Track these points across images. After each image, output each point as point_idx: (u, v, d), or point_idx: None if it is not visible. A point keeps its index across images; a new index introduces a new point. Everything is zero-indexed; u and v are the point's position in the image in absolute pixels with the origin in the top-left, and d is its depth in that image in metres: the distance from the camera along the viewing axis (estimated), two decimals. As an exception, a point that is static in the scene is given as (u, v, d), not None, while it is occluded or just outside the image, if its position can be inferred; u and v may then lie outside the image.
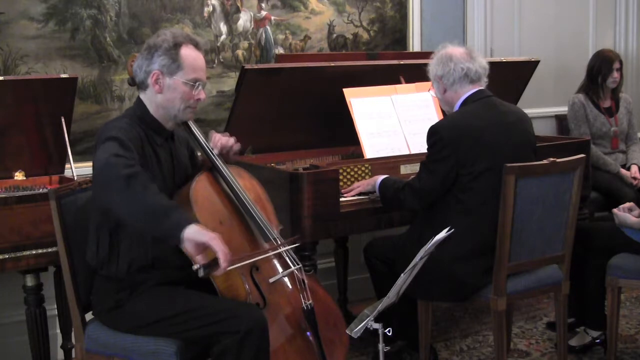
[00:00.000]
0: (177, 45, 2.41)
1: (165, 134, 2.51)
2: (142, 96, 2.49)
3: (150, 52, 2.42)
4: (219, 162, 2.54)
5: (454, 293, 2.98)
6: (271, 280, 2.47)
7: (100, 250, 2.41)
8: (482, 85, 3.02)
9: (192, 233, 2.12)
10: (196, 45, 2.47)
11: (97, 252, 2.42)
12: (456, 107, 3.02)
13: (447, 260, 2.85)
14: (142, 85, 2.47)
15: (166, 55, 2.40)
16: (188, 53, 2.43)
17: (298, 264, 2.55)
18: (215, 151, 2.57)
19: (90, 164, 2.41)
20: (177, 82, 2.42)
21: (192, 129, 2.56)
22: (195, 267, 2.13)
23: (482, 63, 3.02)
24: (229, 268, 2.19)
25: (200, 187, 2.46)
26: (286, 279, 2.53)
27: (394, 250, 3.13)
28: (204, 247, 2.13)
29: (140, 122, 2.44)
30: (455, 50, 3.02)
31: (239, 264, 2.31)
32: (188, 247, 2.13)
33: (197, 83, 2.45)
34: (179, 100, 2.44)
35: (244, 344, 2.24)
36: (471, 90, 2.99)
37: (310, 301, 2.49)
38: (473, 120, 2.91)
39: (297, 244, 2.59)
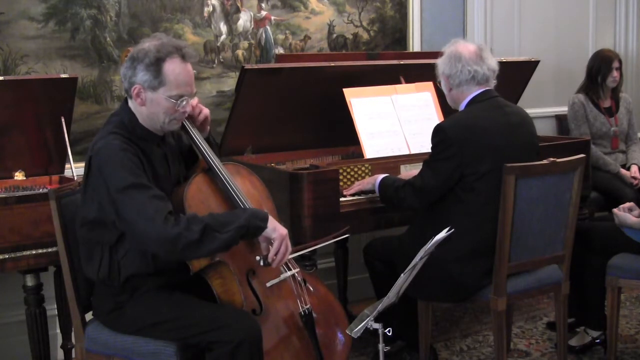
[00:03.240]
0: (159, 60, 2.31)
1: (157, 140, 2.47)
2: (130, 102, 2.42)
3: (133, 64, 2.34)
4: (215, 163, 2.50)
5: (455, 294, 2.98)
6: (268, 284, 2.45)
7: (102, 268, 2.39)
8: (489, 86, 3.01)
9: (268, 232, 2.35)
10: (183, 57, 2.35)
11: (99, 270, 2.40)
12: (461, 107, 3.02)
13: (448, 260, 2.85)
14: (127, 94, 2.41)
15: (147, 70, 2.31)
16: (172, 68, 2.32)
17: (296, 268, 2.54)
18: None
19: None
20: (159, 98, 2.34)
21: (188, 128, 2.51)
22: (257, 258, 2.37)
23: (491, 65, 2.99)
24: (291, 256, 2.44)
25: (195, 190, 2.43)
26: (284, 283, 2.51)
27: (393, 251, 3.13)
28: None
29: (130, 134, 2.38)
30: (466, 50, 2.97)
31: (298, 254, 2.53)
32: (261, 238, 2.37)
33: (182, 99, 2.36)
34: (162, 115, 2.37)
35: (236, 354, 2.23)
36: (477, 90, 2.98)
37: (308, 305, 2.48)
38: (478, 121, 2.91)
39: (348, 235, 2.67)
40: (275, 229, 2.34)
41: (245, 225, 2.29)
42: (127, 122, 2.40)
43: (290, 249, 2.38)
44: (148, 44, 2.35)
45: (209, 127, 2.61)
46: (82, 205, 2.41)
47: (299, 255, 2.60)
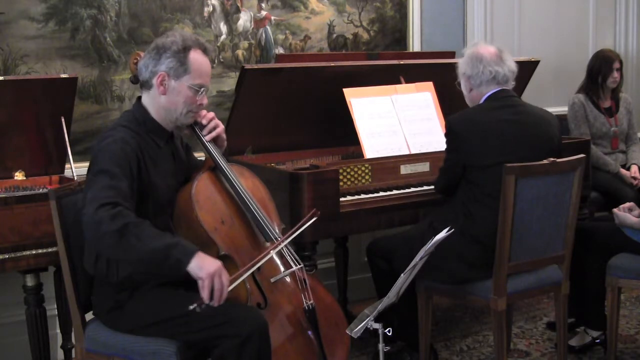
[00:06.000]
0: (186, 49, 2.40)
1: (166, 136, 2.51)
2: (144, 97, 2.48)
3: (158, 53, 2.41)
4: (222, 162, 2.54)
5: (450, 280, 3.01)
6: (273, 279, 2.47)
7: (99, 263, 2.39)
8: (507, 87, 3.07)
9: (193, 269, 2.19)
10: (204, 51, 2.45)
11: (96, 265, 2.40)
12: None
13: (448, 248, 2.83)
14: (145, 85, 2.45)
15: (174, 57, 2.39)
16: (196, 58, 2.41)
17: (300, 264, 2.55)
18: (204, 132, 2.55)
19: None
20: (182, 86, 2.41)
21: (196, 130, 2.56)
22: (191, 307, 2.17)
23: (511, 66, 3.06)
24: (230, 288, 2.24)
25: (202, 187, 2.47)
26: (288, 279, 2.53)
27: (399, 245, 3.14)
28: None
29: (140, 128, 2.42)
30: (486, 51, 3.05)
31: (239, 281, 2.32)
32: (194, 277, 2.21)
33: (202, 89, 2.44)
34: (182, 104, 2.43)
35: (244, 348, 2.23)
36: (494, 89, 3.04)
37: (312, 301, 2.49)
38: (484, 116, 2.98)
39: (316, 217, 2.55)
40: (202, 267, 2.17)
41: (161, 250, 2.17)
42: (138, 115, 2.46)
43: (226, 283, 2.20)
44: (171, 36, 2.44)
45: (225, 144, 2.65)
46: (83, 194, 2.42)
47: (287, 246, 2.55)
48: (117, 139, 2.34)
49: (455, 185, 3.04)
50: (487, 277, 2.93)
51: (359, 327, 2.35)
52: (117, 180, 2.25)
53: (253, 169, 2.76)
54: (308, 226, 2.53)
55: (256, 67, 3.38)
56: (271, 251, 2.46)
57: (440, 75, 3.62)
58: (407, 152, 3.50)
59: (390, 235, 3.38)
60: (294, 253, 2.57)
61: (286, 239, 2.50)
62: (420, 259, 2.43)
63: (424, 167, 3.44)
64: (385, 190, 3.29)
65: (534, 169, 2.86)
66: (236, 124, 3.41)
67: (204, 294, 2.18)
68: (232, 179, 2.52)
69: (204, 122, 2.55)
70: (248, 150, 3.52)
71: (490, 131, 2.94)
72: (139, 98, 2.50)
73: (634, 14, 5.63)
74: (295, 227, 2.51)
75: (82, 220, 2.24)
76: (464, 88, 3.14)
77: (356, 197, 3.19)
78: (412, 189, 3.34)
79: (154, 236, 2.20)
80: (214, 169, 2.56)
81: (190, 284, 2.41)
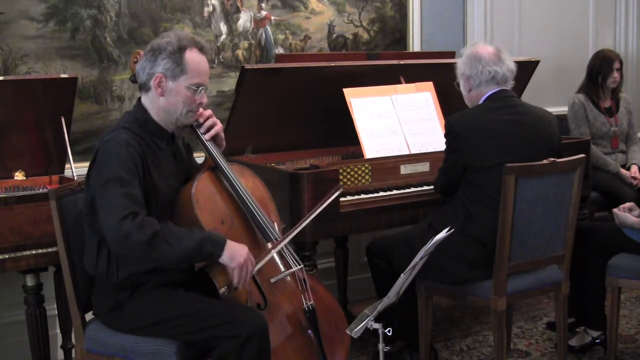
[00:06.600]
0: (181, 49, 2.39)
1: (167, 137, 2.50)
2: (144, 98, 2.47)
3: (154, 55, 2.40)
4: (222, 161, 2.54)
5: (450, 280, 3.00)
6: (273, 280, 2.48)
7: (100, 263, 2.40)
8: (507, 86, 3.07)
9: (224, 260, 2.30)
10: (201, 49, 2.44)
11: (96, 265, 2.41)
12: None
13: (448, 248, 2.83)
14: (144, 87, 2.45)
15: (170, 58, 2.38)
16: (192, 57, 2.40)
17: (300, 264, 2.55)
18: (202, 130, 2.55)
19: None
20: (180, 87, 2.40)
21: (196, 129, 2.55)
22: (220, 291, 2.34)
23: (510, 66, 3.06)
24: (254, 270, 2.38)
25: (202, 187, 2.46)
26: (288, 279, 2.53)
27: (399, 245, 3.14)
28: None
29: (141, 129, 2.42)
30: (485, 51, 3.05)
31: (260, 264, 2.42)
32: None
33: (200, 88, 2.43)
34: (181, 105, 2.42)
35: (244, 348, 2.23)
36: (494, 89, 3.04)
37: (312, 302, 2.49)
38: (484, 117, 2.98)
39: (340, 190, 2.61)
40: (233, 258, 2.29)
41: (193, 248, 2.26)
42: (139, 116, 2.45)
43: (251, 269, 2.34)
44: (166, 36, 2.44)
45: (224, 143, 2.64)
46: (84, 194, 2.44)
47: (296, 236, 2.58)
48: (122, 141, 2.33)
49: (455, 185, 3.04)
50: (487, 277, 2.93)
51: (359, 327, 2.35)
52: (128, 186, 2.26)
53: (253, 169, 2.76)
54: (310, 223, 2.54)
55: (256, 67, 3.38)
56: (294, 231, 2.51)
57: (440, 75, 3.62)
58: (407, 152, 3.50)
59: (390, 236, 3.38)
60: (294, 253, 2.58)
61: (313, 212, 2.53)
62: (420, 259, 2.43)
63: (424, 167, 3.44)
64: (385, 190, 3.29)
65: (534, 169, 2.86)
66: (236, 124, 3.41)
67: (234, 281, 2.31)
68: (232, 178, 2.52)
69: (201, 120, 2.55)
70: (248, 150, 3.52)
71: (490, 131, 2.95)
72: (140, 99, 2.50)
73: (634, 14, 5.63)
74: (321, 201, 2.55)
75: (84, 228, 2.31)
76: (463, 88, 3.13)
77: (356, 197, 3.19)
78: (412, 189, 3.34)
79: (182, 236, 2.27)
80: (214, 168, 2.55)
81: (191, 284, 2.43)
